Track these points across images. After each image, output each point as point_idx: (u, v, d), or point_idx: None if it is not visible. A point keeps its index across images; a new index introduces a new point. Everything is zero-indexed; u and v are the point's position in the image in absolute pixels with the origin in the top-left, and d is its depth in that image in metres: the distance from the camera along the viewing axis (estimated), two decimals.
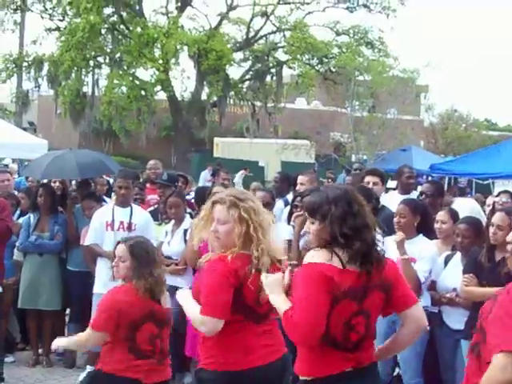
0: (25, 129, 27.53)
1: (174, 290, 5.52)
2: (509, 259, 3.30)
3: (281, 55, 31.98)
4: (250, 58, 32.10)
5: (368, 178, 7.88)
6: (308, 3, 31.56)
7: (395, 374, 6.62)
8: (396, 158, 20.23)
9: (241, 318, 4.04)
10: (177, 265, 7.41)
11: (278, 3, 31.33)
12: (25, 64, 31.02)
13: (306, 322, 3.39)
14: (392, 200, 7.47)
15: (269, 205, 6.77)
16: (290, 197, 8.56)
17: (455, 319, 5.95)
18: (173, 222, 7.68)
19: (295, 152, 30.63)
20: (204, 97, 31.10)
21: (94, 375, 5.33)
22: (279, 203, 8.47)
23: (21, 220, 8.39)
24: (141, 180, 10.26)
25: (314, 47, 30.29)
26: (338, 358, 3.54)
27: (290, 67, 31.88)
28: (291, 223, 7.09)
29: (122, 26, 30.19)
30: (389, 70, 30.60)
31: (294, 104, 39.77)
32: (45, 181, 9.47)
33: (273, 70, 31.85)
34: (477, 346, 3.00)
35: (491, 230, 5.60)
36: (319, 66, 31.82)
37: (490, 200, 8.87)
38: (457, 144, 35.45)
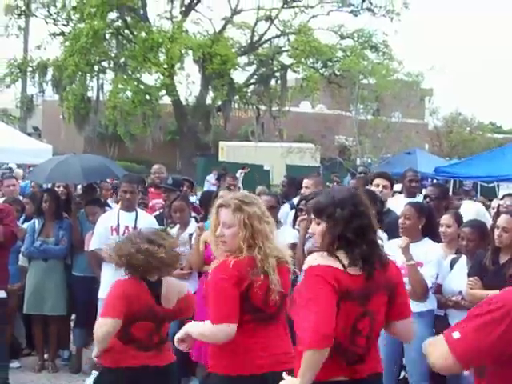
0: (29, 134, 27.60)
1: None
2: None
3: (285, 59, 32.07)
4: (255, 62, 32.15)
5: (378, 181, 7.90)
6: (312, 7, 31.64)
7: (401, 377, 6.59)
8: (401, 161, 20.22)
9: (249, 318, 4.00)
10: (182, 269, 7.40)
11: (283, 7, 31.40)
12: (29, 69, 31.15)
13: (318, 321, 3.36)
14: (398, 203, 7.47)
15: (274, 208, 6.76)
16: (295, 200, 8.54)
17: None
18: (178, 226, 7.68)
19: (300, 155, 30.68)
20: (209, 101, 31.15)
21: (98, 373, 5.26)
22: (285, 207, 8.45)
23: (25, 225, 8.37)
24: (146, 185, 10.27)
25: (318, 51, 30.30)
26: (333, 366, 3.49)
27: (295, 71, 31.92)
28: (296, 227, 7.08)
29: (126, 31, 30.26)
30: (393, 73, 30.62)
31: (298, 107, 39.81)
32: (48, 185, 9.47)
33: (277, 74, 31.92)
34: None
35: (496, 232, 5.63)
36: (324, 69, 31.83)
37: (494, 203, 8.87)
38: (461, 147, 35.45)
